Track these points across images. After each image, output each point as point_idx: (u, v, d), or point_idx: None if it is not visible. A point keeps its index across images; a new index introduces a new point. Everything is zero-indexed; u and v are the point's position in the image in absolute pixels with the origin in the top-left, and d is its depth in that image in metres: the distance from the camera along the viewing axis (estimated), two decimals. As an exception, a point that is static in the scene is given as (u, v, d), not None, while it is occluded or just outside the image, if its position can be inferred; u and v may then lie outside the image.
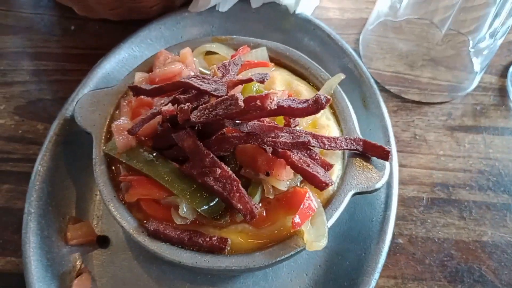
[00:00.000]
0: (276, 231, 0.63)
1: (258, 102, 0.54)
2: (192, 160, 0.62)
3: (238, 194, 0.60)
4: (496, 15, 0.81)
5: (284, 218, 0.63)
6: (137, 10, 0.94)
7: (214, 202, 0.63)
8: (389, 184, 0.75)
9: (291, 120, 0.63)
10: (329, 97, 0.55)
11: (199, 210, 0.62)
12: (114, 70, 0.85)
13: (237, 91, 0.63)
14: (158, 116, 0.65)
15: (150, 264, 0.71)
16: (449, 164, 0.85)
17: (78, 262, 0.70)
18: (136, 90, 0.67)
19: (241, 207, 0.60)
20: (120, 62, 0.86)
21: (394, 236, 0.77)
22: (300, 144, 0.60)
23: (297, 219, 0.60)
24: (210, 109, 0.58)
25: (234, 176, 0.60)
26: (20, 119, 0.87)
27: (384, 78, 0.95)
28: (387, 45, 1.01)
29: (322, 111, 0.72)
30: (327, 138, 0.66)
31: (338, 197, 0.66)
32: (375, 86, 0.85)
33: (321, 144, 0.65)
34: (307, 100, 0.56)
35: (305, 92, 0.75)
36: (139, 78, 0.72)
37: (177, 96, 0.63)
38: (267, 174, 0.64)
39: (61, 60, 0.95)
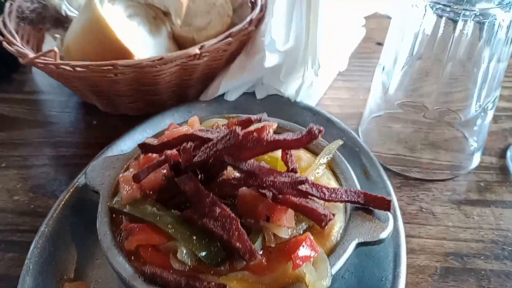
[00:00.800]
0: (277, 279, 0.61)
1: (255, 134, 0.58)
2: (193, 204, 0.64)
3: (237, 233, 0.60)
4: (481, 89, 0.88)
5: (285, 265, 0.61)
6: (154, 104, 1.04)
7: (214, 248, 0.62)
8: (396, 244, 0.72)
9: (289, 159, 0.65)
10: (321, 128, 0.59)
11: (198, 255, 0.61)
12: (128, 149, 0.91)
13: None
14: (164, 169, 0.68)
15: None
16: (460, 234, 0.83)
17: None
18: (144, 147, 0.72)
19: (240, 246, 0.59)
20: (134, 143, 0.92)
21: (408, 305, 0.72)
22: (299, 182, 0.62)
23: (298, 260, 0.59)
24: (211, 147, 0.61)
25: (234, 215, 0.61)
26: (34, 196, 0.90)
27: (385, 159, 0.99)
28: (386, 132, 1.07)
29: (322, 171, 0.75)
30: (327, 188, 0.67)
31: (341, 246, 0.64)
32: (375, 158, 0.88)
33: (321, 193, 0.66)
34: (300, 132, 0.59)
35: (304, 157, 0.79)
36: (149, 141, 0.77)
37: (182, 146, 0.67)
38: (267, 220, 0.64)
39: (81, 147, 1.02)
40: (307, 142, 0.59)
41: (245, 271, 0.61)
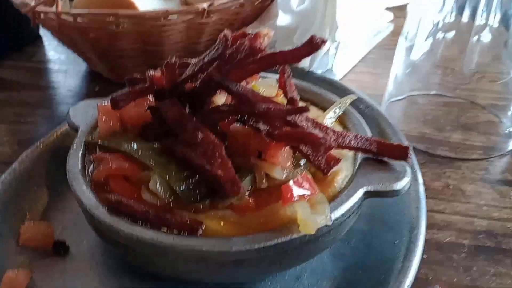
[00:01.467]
0: (264, 220, 0.50)
1: (247, 42, 0.49)
2: (175, 134, 0.55)
3: (219, 160, 0.50)
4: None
5: (276, 204, 0.51)
6: (159, 70, 0.98)
7: (194, 182, 0.52)
8: (415, 206, 0.61)
9: (287, 84, 0.56)
10: (324, 38, 0.49)
11: (174, 187, 0.51)
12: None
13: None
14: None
15: (110, 276, 0.56)
16: (493, 214, 0.70)
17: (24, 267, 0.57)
18: (131, 80, 0.64)
19: (221, 173, 0.49)
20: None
21: (429, 282, 0.59)
22: (297, 111, 0.52)
23: (289, 194, 0.48)
24: (198, 62, 0.53)
25: (218, 141, 0.51)
26: (19, 149, 0.83)
27: (409, 137, 0.87)
28: (410, 114, 0.96)
29: (331, 124, 0.66)
30: (334, 131, 0.57)
31: (346, 193, 0.53)
32: (397, 128, 0.77)
33: (325, 135, 0.56)
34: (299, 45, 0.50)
35: (312, 111, 0.69)
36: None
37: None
38: (259, 156, 0.54)
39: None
40: (307, 54, 0.49)
41: (227, 210, 0.51)
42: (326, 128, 0.57)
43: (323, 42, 0.49)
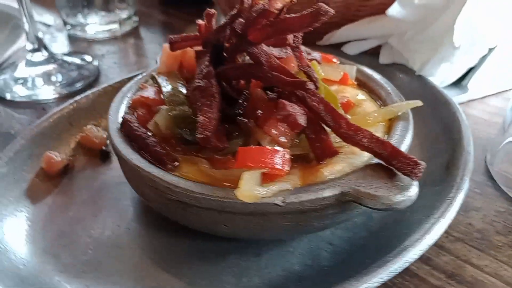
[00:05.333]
0: (231, 177, 0.50)
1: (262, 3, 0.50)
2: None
3: (206, 109, 0.52)
4: None
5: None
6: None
7: (191, 127, 0.56)
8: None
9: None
10: (331, 10, 0.45)
11: (173, 123, 0.56)
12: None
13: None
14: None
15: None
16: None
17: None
18: (174, 40, 0.67)
19: (200, 119, 0.51)
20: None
21: None
22: (299, 84, 0.50)
23: (248, 159, 0.48)
24: (229, 20, 0.56)
25: (218, 91, 0.53)
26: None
27: (507, 181, 0.71)
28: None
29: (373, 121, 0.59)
30: (348, 122, 0.52)
31: (320, 186, 0.49)
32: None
33: (336, 123, 0.52)
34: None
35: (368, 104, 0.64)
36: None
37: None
38: (256, 122, 0.54)
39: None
40: (311, 22, 0.46)
41: (203, 158, 0.54)
42: (340, 116, 0.53)
43: (327, 12, 0.45)
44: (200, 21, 0.62)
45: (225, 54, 0.59)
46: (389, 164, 0.51)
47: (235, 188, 0.47)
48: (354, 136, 0.52)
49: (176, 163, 0.53)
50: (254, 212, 0.48)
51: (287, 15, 0.49)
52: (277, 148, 0.49)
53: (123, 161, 0.56)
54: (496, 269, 0.56)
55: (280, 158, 0.49)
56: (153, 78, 0.67)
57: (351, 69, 0.72)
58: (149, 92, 0.63)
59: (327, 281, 0.49)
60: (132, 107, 0.64)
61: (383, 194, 0.47)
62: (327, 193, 0.48)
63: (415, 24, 0.80)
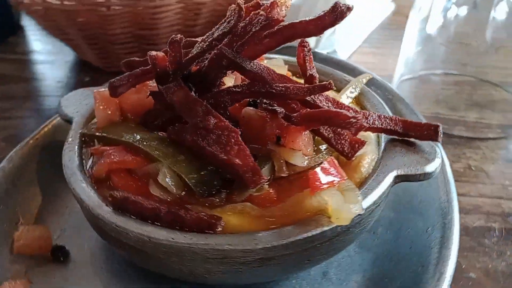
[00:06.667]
0: (290, 211, 0.45)
1: (262, 13, 0.44)
2: (182, 121, 0.49)
3: (236, 148, 0.45)
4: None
5: (301, 193, 0.45)
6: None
7: (207, 172, 0.47)
8: (444, 188, 0.56)
9: (307, 61, 0.51)
10: (350, 5, 0.44)
11: (186, 178, 0.46)
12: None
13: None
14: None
15: (116, 282, 0.51)
16: (521, 194, 0.66)
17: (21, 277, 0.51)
18: (128, 64, 0.58)
19: (239, 162, 0.44)
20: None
21: (463, 269, 0.55)
22: (319, 88, 0.47)
23: (318, 183, 0.43)
24: (207, 38, 0.47)
25: (233, 127, 0.46)
26: (6, 146, 0.77)
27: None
28: (421, 94, 0.92)
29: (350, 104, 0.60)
30: (356, 110, 0.52)
31: (375, 178, 0.48)
32: (412, 106, 0.72)
33: (356, 114, 0.51)
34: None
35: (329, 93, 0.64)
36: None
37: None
38: (278, 141, 0.49)
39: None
40: (332, 23, 0.44)
41: (246, 203, 0.46)
42: (349, 108, 0.52)
43: (349, 9, 0.44)
44: (153, 52, 0.51)
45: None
46: (407, 136, 0.53)
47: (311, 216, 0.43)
48: (367, 122, 0.52)
49: (222, 221, 0.44)
50: (341, 232, 0.45)
51: (295, 21, 0.45)
52: (333, 161, 0.46)
53: (149, 246, 0.43)
54: None
55: (334, 167, 0.46)
56: (100, 138, 0.53)
57: (280, 62, 0.71)
58: (120, 155, 0.49)
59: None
60: (100, 182, 0.50)
61: (422, 166, 0.50)
62: (386, 183, 0.48)
63: (304, 5, 0.83)
